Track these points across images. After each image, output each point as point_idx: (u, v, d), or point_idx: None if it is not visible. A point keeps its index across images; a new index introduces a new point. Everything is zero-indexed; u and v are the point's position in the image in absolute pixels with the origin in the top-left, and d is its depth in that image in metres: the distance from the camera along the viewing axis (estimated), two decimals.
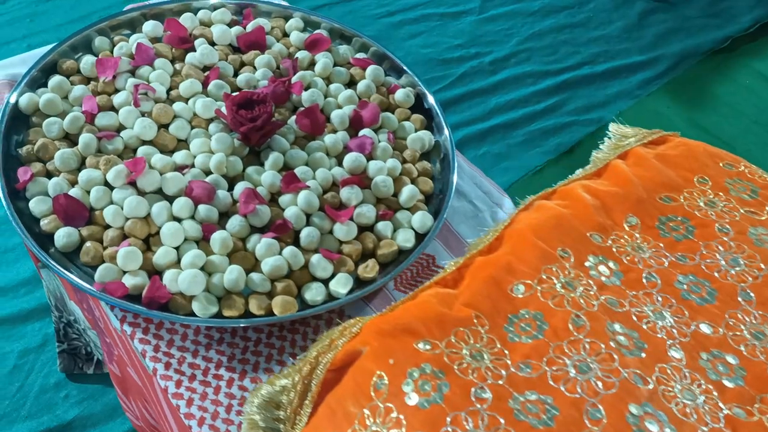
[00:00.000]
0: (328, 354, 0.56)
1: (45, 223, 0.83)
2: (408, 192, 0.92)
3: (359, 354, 0.54)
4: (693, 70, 2.49)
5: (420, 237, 0.90)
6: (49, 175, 0.88)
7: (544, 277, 0.58)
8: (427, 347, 0.53)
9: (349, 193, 0.90)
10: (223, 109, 0.95)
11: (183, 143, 0.94)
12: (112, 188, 0.86)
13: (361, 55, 1.11)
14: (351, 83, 1.07)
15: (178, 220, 0.85)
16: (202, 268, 0.81)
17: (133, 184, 0.86)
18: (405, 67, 1.09)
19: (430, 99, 1.05)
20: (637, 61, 2.44)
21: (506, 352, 0.53)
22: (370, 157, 0.96)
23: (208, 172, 0.90)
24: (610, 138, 0.80)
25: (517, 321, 0.55)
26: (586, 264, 0.60)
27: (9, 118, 0.90)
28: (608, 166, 0.71)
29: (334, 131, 0.99)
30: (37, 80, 0.96)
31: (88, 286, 0.78)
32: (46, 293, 1.31)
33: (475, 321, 0.55)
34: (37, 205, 0.84)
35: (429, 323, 0.54)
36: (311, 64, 1.08)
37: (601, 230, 0.63)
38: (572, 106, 2.28)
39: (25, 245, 0.80)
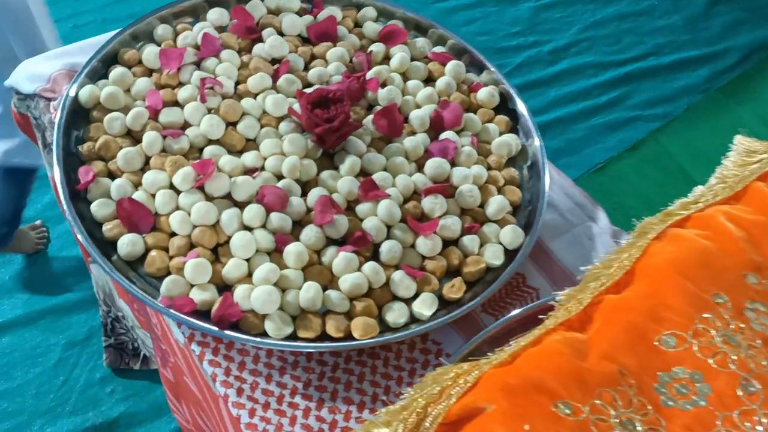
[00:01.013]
0: (439, 405, 0.49)
1: (107, 229, 0.77)
2: (497, 203, 0.84)
3: (481, 411, 0.47)
4: (763, 63, 2.35)
5: (509, 254, 0.82)
6: (111, 175, 0.82)
7: (699, 327, 0.50)
8: (568, 411, 0.45)
9: (432, 203, 0.82)
10: (296, 107, 0.87)
11: (251, 143, 0.87)
12: (178, 192, 0.79)
13: (438, 49, 1.02)
14: (428, 80, 0.99)
15: (249, 229, 0.78)
16: (275, 284, 0.74)
17: (200, 187, 0.79)
18: (487, 63, 1.01)
19: (516, 99, 0.97)
20: (704, 54, 2.30)
21: (662, 420, 0.45)
22: (452, 163, 0.88)
23: (279, 177, 0.83)
24: (733, 151, 0.70)
25: (670, 381, 0.47)
26: (746, 313, 0.51)
27: (69, 112, 0.84)
28: (748, 189, 0.62)
29: (413, 133, 0.91)
30: (98, 71, 0.89)
31: (155, 301, 0.72)
32: (95, 287, 1.27)
33: (620, 379, 0.47)
34: (99, 209, 0.78)
35: (566, 380, 0.47)
36: (385, 58, 1.00)
37: (756, 269, 0.54)
38: (636, 99, 2.16)
39: (77, 239, 0.74)
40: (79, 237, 0.75)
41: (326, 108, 0.84)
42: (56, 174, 0.79)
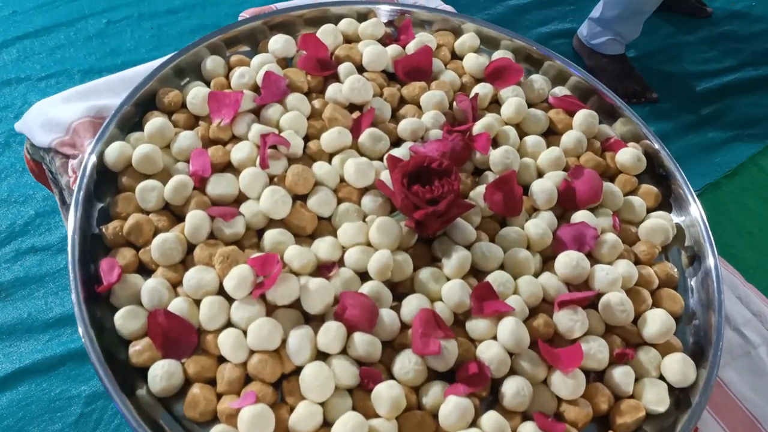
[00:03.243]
0: None
1: (135, 352, 0.57)
2: (659, 322, 0.62)
3: None
4: None
5: (672, 391, 0.60)
6: (142, 266, 0.62)
7: None
8: None
9: (571, 321, 0.60)
10: (384, 176, 0.66)
11: (324, 223, 0.66)
12: (230, 298, 0.59)
13: (560, 90, 0.80)
14: (548, 132, 0.77)
15: (324, 355, 0.57)
16: None
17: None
18: (624, 107, 0.78)
19: (667, 158, 0.74)
20: None
21: None
22: (588, 255, 0.66)
23: (362, 273, 0.62)
24: None
25: None
26: None
27: (90, 179, 0.64)
28: None
29: (533, 209, 0.69)
30: (130, 119, 0.69)
31: None
32: None
33: None
34: (125, 322, 0.57)
35: None
36: (491, 102, 0.78)
37: None
38: (733, 117, 1.90)
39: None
40: (96, 363, 0.55)
41: (428, 183, 0.63)
42: (69, 264, 0.59)
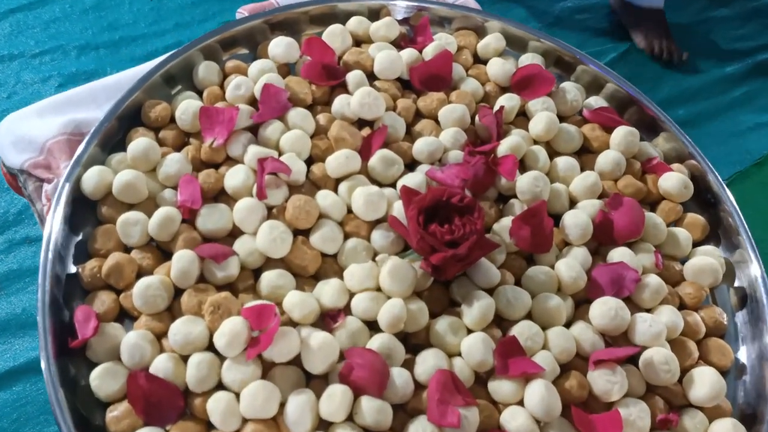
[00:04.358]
0: None
1: (113, 418, 0.50)
2: (708, 383, 0.54)
3: None
4: None
5: None
6: (123, 313, 0.55)
7: None
8: None
9: (608, 383, 0.53)
10: (396, 208, 0.58)
11: (329, 261, 0.58)
12: (221, 356, 0.52)
13: (595, 101, 0.71)
14: (582, 150, 0.68)
15: (327, 423, 0.50)
16: None
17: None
18: (667, 120, 0.69)
19: (714, 183, 0.66)
20: None
21: None
22: (628, 300, 0.58)
23: (372, 323, 0.54)
24: None
25: None
26: None
27: (65, 210, 0.56)
28: None
29: (564, 243, 0.62)
30: (112, 137, 0.61)
31: None
32: None
33: None
34: (102, 383, 0.51)
35: None
36: (518, 114, 0.69)
37: None
38: (766, 99, 1.79)
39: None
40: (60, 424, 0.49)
41: (447, 219, 0.55)
42: (39, 315, 0.53)
